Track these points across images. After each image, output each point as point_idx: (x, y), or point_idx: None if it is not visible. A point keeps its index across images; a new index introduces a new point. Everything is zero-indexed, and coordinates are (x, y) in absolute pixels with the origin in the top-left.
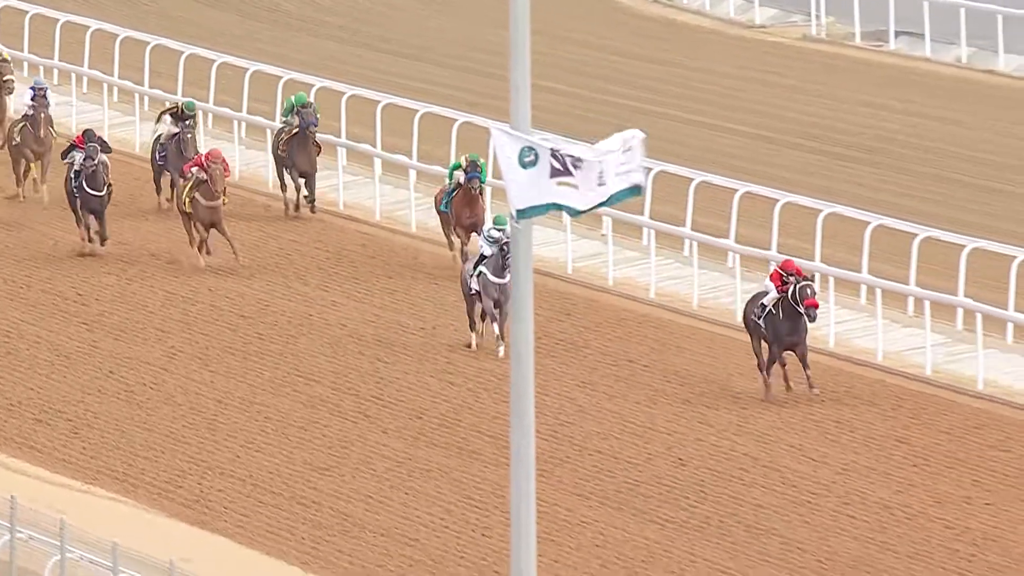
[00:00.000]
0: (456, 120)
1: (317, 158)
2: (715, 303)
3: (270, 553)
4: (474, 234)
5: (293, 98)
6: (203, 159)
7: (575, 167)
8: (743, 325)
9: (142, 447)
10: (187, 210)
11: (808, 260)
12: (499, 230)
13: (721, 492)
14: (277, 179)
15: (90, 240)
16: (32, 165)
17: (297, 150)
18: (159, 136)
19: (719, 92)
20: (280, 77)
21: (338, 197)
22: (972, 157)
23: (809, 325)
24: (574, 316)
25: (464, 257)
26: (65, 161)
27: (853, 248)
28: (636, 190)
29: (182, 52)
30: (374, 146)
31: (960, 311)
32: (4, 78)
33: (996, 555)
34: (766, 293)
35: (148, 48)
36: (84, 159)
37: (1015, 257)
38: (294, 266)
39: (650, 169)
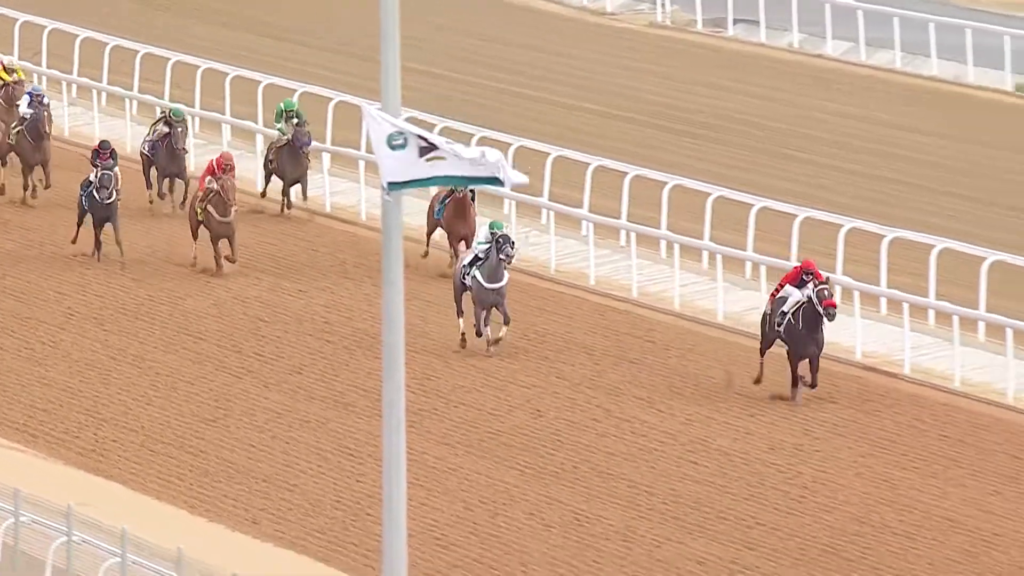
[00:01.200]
0: (332, 100)
1: (308, 164)
2: (574, 269)
3: (161, 498)
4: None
5: (282, 104)
6: (214, 165)
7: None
8: (760, 328)
9: (40, 400)
10: (199, 219)
11: (655, 228)
12: (496, 232)
13: (575, 441)
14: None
15: (96, 247)
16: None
17: (288, 160)
18: (146, 137)
19: (576, 75)
20: (168, 59)
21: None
22: (805, 134)
23: (826, 323)
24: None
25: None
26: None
27: (696, 218)
28: (496, 181)
29: (77, 35)
30: (256, 122)
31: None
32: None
33: (824, 497)
34: (785, 300)
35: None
36: (101, 175)
37: (842, 226)
38: (185, 231)
39: (510, 144)
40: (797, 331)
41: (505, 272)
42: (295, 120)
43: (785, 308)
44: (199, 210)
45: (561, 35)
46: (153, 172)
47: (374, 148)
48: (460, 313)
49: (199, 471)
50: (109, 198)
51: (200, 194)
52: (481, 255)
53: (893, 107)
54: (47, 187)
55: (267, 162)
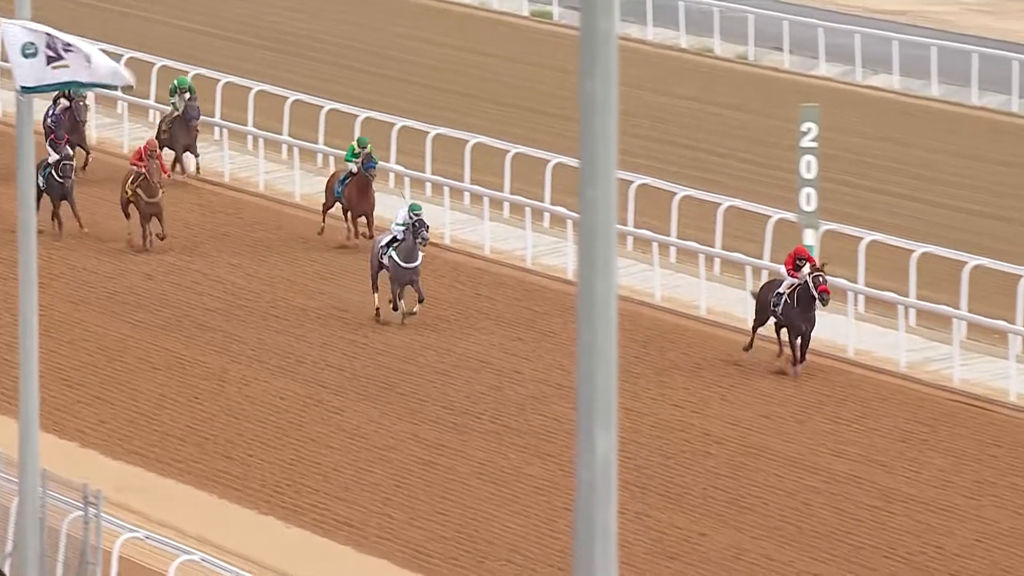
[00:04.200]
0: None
1: (196, 133)
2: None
3: None
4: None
5: (176, 81)
6: (142, 152)
7: (66, 51)
8: (754, 299)
9: None
10: (130, 199)
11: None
12: (416, 215)
13: (178, 299)
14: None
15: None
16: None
17: (179, 130)
18: (48, 108)
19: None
20: None
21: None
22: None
23: (819, 306)
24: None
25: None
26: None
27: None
28: (110, 85)
29: None
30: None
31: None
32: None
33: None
34: (780, 282)
35: None
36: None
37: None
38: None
39: (121, 55)
40: (793, 311)
41: (420, 253)
42: (187, 95)
43: (781, 290)
44: (129, 191)
45: None
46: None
47: (9, 56)
48: (375, 289)
49: None
50: (68, 179)
51: (128, 179)
52: (399, 236)
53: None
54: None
55: (160, 132)
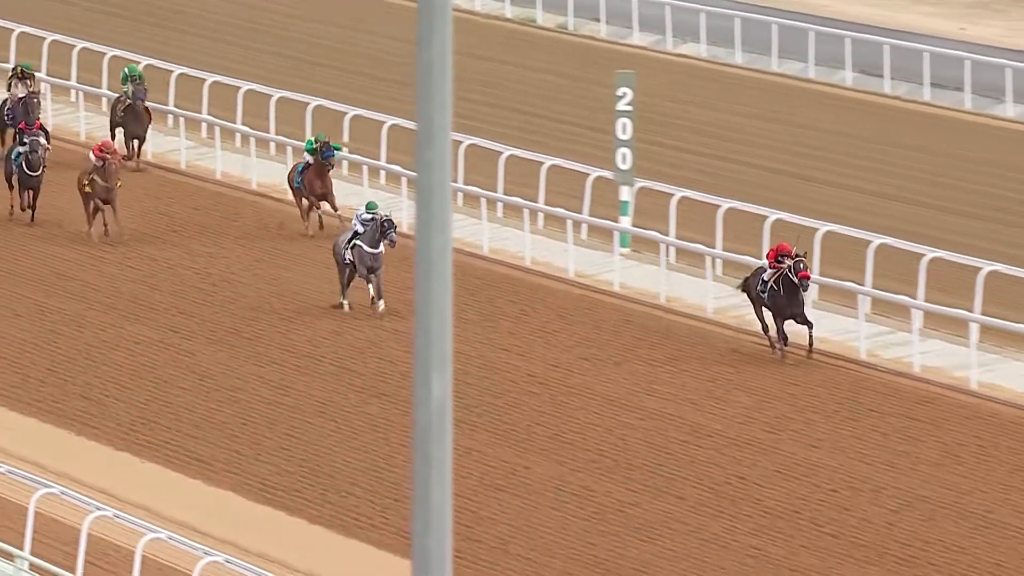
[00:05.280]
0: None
1: (149, 123)
2: None
3: None
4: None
5: (126, 69)
6: (97, 150)
7: None
8: (746, 295)
9: None
10: (87, 191)
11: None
12: (371, 213)
13: (38, 252)
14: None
15: (23, 209)
16: None
17: (130, 117)
18: (5, 100)
19: None
20: None
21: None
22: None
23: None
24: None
25: (312, 219)
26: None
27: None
28: None
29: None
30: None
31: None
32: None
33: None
34: (764, 270)
35: None
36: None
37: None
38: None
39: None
40: (780, 296)
41: (382, 244)
42: (137, 82)
43: (765, 277)
44: (86, 182)
45: None
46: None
47: None
48: (344, 291)
49: None
50: (38, 172)
51: (85, 171)
52: (360, 230)
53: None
54: None
55: (113, 115)
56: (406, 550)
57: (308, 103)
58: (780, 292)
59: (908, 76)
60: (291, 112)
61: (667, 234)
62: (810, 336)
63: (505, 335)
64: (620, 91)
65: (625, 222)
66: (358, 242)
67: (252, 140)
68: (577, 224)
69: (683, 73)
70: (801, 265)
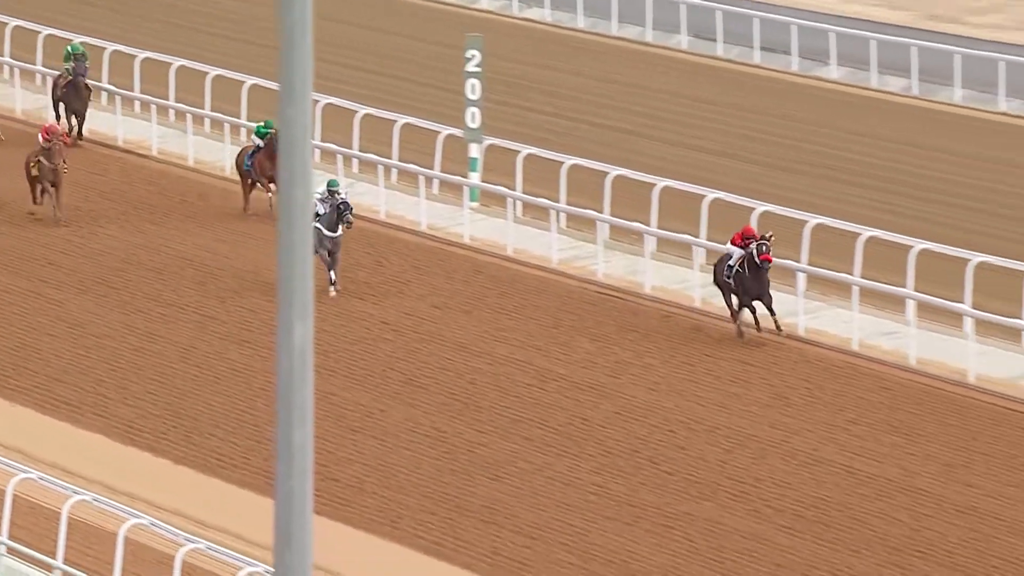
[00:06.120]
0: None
1: (88, 100)
2: None
3: None
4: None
5: (69, 47)
6: (45, 132)
7: None
8: (715, 284)
9: None
10: (33, 173)
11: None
12: (332, 191)
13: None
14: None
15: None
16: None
17: (72, 93)
18: None
19: None
20: None
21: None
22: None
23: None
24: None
25: (263, 199)
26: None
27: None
28: None
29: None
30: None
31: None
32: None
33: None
34: (731, 256)
35: None
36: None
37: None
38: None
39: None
40: (746, 278)
41: (340, 226)
42: (80, 59)
43: (731, 262)
44: (32, 163)
45: None
46: None
47: None
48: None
49: None
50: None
51: (32, 153)
52: (320, 211)
53: None
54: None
55: (54, 91)
56: (268, 489)
57: (171, 63)
58: (746, 273)
59: (739, 40)
60: (154, 71)
61: (514, 189)
62: (774, 317)
63: (361, 285)
64: (469, 53)
65: (474, 178)
66: (318, 224)
67: (154, 108)
68: (429, 179)
69: (528, 37)
70: (764, 248)
